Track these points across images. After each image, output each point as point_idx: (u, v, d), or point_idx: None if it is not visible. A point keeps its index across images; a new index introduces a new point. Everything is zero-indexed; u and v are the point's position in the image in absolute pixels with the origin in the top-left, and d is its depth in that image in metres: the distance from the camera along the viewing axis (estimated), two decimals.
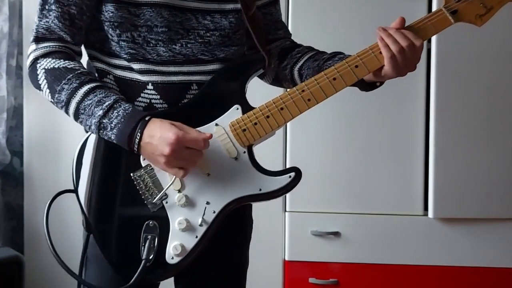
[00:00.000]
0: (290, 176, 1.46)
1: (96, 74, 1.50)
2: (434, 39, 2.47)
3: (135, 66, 1.46)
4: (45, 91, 1.44)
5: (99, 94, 1.41)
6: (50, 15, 1.44)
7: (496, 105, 2.51)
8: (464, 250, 2.55)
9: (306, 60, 1.58)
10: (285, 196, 2.58)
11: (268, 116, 1.44)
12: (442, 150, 2.50)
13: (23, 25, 2.81)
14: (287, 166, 2.56)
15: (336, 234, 2.57)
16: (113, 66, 1.49)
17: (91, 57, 1.53)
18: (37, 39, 1.46)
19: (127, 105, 1.41)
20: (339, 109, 2.52)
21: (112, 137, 1.40)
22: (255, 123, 1.44)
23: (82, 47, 1.53)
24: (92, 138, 1.47)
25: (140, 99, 1.47)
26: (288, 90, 1.46)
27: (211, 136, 1.40)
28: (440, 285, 2.57)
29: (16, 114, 2.93)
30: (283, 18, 2.55)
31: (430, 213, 2.53)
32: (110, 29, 1.45)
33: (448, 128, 2.49)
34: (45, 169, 2.76)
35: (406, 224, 2.56)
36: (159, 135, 1.36)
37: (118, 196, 1.46)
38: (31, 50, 1.46)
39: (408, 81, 2.50)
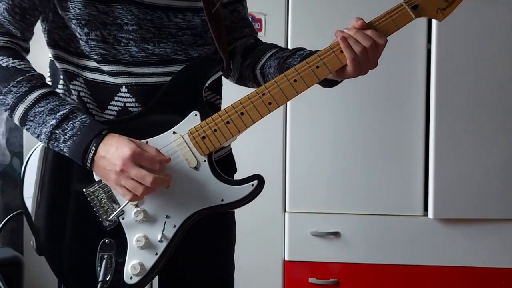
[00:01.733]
0: (252, 185, 1.36)
1: (63, 77, 1.41)
2: (434, 39, 2.47)
3: (106, 68, 1.38)
4: None
5: (53, 102, 1.31)
6: None
7: (496, 105, 2.50)
8: (464, 250, 2.55)
9: (267, 58, 1.52)
10: (285, 196, 2.58)
11: (228, 122, 1.36)
12: (442, 150, 2.50)
13: None
14: (287, 167, 2.57)
15: (336, 234, 2.57)
16: (82, 67, 1.39)
17: (56, 58, 1.42)
18: None
19: (83, 116, 1.31)
20: (339, 109, 2.52)
21: (65, 150, 1.30)
22: (215, 130, 1.35)
23: (46, 47, 1.44)
24: (38, 149, 1.38)
25: (114, 102, 1.39)
26: (248, 94, 1.37)
27: (169, 159, 1.32)
28: (440, 285, 2.57)
29: None
30: (283, 19, 2.57)
31: (430, 214, 2.53)
32: (78, 27, 1.35)
33: (448, 129, 2.49)
34: None
35: (406, 225, 2.55)
36: (114, 149, 1.27)
37: (70, 214, 1.36)
38: None
39: (408, 81, 2.52)
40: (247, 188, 1.36)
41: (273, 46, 1.56)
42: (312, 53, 1.43)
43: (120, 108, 1.39)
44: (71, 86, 1.40)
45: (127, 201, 1.32)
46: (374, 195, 2.56)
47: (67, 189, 1.37)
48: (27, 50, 1.40)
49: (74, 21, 1.36)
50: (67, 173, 1.36)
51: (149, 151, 1.30)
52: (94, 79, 1.39)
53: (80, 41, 1.37)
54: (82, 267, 1.36)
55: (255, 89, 1.38)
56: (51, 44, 1.42)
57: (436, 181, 2.50)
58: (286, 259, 2.60)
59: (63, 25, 1.38)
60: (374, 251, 2.57)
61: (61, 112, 1.30)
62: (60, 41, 1.40)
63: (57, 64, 1.42)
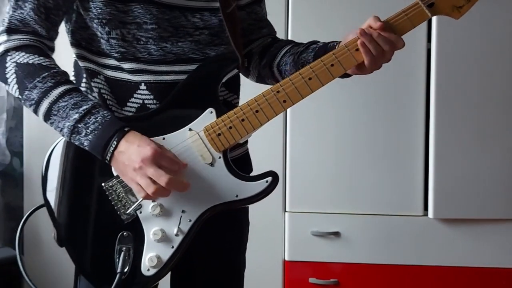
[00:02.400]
0: (267, 181, 1.39)
1: (85, 75, 1.46)
2: (434, 39, 2.47)
3: (126, 65, 1.42)
4: (12, 86, 1.37)
5: (76, 97, 1.35)
6: (25, 7, 1.37)
7: (496, 105, 2.50)
8: (464, 250, 2.55)
9: (283, 55, 1.54)
10: (285, 196, 2.58)
11: (243, 120, 1.38)
12: (442, 150, 2.49)
13: None
14: (287, 167, 2.57)
15: (336, 234, 2.57)
16: (103, 66, 1.44)
17: (79, 57, 1.47)
18: (9, 30, 1.38)
19: (105, 111, 1.36)
20: (339, 109, 2.52)
21: (86, 143, 1.34)
22: (230, 127, 1.38)
23: (63, 48, 1.49)
24: (60, 144, 1.43)
25: (133, 99, 1.43)
26: (263, 92, 1.40)
27: (186, 165, 1.36)
28: (440, 285, 2.57)
29: (16, 115, 2.93)
30: (283, 19, 2.57)
31: (430, 214, 2.53)
32: (99, 26, 1.40)
33: (448, 128, 2.49)
34: None
35: (406, 224, 2.55)
36: (135, 146, 1.31)
37: (90, 207, 1.40)
38: (1, 41, 1.38)
39: (408, 81, 2.52)
40: (262, 184, 1.39)
41: (289, 42, 1.59)
42: (325, 45, 1.46)
43: (139, 105, 1.43)
44: (92, 84, 1.45)
45: (142, 200, 1.36)
46: (374, 195, 2.56)
47: (87, 183, 1.41)
48: (52, 49, 1.44)
49: (95, 21, 1.40)
50: (88, 168, 1.40)
51: (168, 154, 1.34)
52: (114, 77, 1.43)
53: (101, 40, 1.42)
54: (101, 259, 1.40)
55: (270, 86, 1.40)
56: (74, 43, 1.47)
57: (436, 181, 2.50)
58: (286, 259, 2.60)
59: (85, 25, 1.43)
60: (375, 251, 2.57)
61: (84, 107, 1.34)
62: (82, 41, 1.45)
63: (80, 63, 1.47)
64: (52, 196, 1.43)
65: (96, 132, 1.33)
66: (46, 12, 1.38)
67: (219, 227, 1.45)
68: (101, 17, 1.39)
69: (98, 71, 1.44)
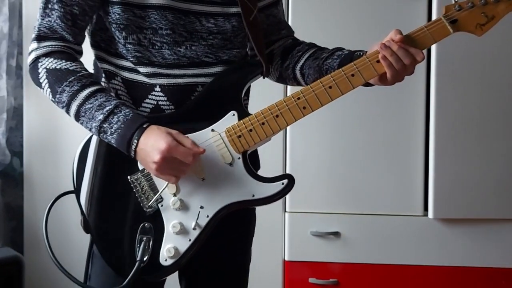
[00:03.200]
0: (283, 183, 1.46)
1: (104, 76, 1.52)
2: None
3: (142, 69, 1.48)
4: (46, 90, 1.46)
5: (100, 98, 1.43)
6: (52, 15, 1.45)
7: (496, 105, 2.51)
8: (464, 250, 2.55)
9: (306, 58, 1.59)
10: (285, 196, 2.58)
11: (263, 123, 1.45)
12: (442, 150, 2.50)
13: (23, 26, 2.81)
14: (287, 167, 2.57)
15: (336, 234, 2.57)
16: (120, 67, 1.50)
17: (98, 58, 1.54)
18: (39, 38, 1.46)
19: (127, 110, 1.43)
20: (339, 109, 2.52)
21: (112, 141, 1.43)
22: (250, 130, 1.45)
23: (89, 48, 1.55)
24: (94, 139, 1.50)
25: (147, 100, 1.49)
26: (284, 98, 1.46)
27: (203, 151, 1.41)
28: (440, 285, 2.57)
29: (16, 115, 2.93)
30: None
31: (430, 214, 2.53)
32: (117, 31, 1.47)
33: (448, 128, 2.49)
34: (45, 169, 2.76)
35: (406, 224, 2.56)
36: (152, 142, 1.39)
37: (116, 198, 1.49)
38: (32, 48, 1.47)
39: (408, 81, 2.50)
40: (278, 186, 1.46)
41: (312, 45, 1.63)
42: (351, 53, 1.50)
43: (153, 106, 1.50)
44: (110, 85, 1.51)
45: (164, 186, 1.44)
46: (374, 195, 2.56)
47: (116, 175, 1.49)
48: (80, 53, 1.52)
49: (114, 25, 1.47)
50: (117, 161, 1.48)
51: (185, 143, 1.40)
52: (131, 78, 1.50)
53: (119, 44, 1.48)
54: (123, 246, 1.47)
55: (291, 93, 1.45)
56: (94, 45, 1.54)
57: (436, 181, 2.50)
58: (286, 259, 2.61)
59: (104, 27, 1.50)
60: (374, 251, 2.57)
61: (108, 108, 1.42)
62: (102, 42, 1.52)
63: (98, 64, 1.54)
64: (83, 185, 1.49)
65: (119, 131, 1.41)
66: (73, 18, 1.46)
67: (228, 219, 1.49)
68: (119, 22, 1.46)
69: (116, 73, 1.51)
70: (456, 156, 2.50)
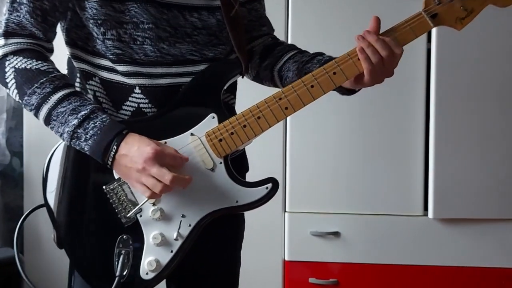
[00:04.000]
0: (267, 188, 1.40)
1: (80, 76, 1.45)
2: (434, 39, 2.47)
3: (121, 68, 1.40)
4: (13, 91, 1.37)
5: (74, 102, 1.35)
6: (21, 9, 1.36)
7: (496, 105, 2.50)
8: (464, 250, 2.55)
9: (286, 60, 1.54)
10: (285, 196, 2.58)
11: (245, 126, 1.39)
12: (442, 150, 2.49)
13: None
14: (287, 167, 2.57)
15: (336, 234, 2.57)
16: (98, 67, 1.42)
17: (74, 57, 1.45)
18: (7, 34, 1.37)
19: (104, 116, 1.35)
20: (339, 109, 2.52)
21: (86, 148, 1.35)
22: (232, 133, 1.39)
23: (63, 45, 1.47)
24: (61, 148, 1.43)
25: (128, 103, 1.42)
26: (265, 98, 1.40)
27: (187, 159, 1.36)
28: (440, 285, 2.57)
29: (15, 115, 2.93)
30: (283, 19, 2.57)
31: (430, 214, 2.53)
32: (95, 27, 1.38)
33: (448, 128, 2.49)
34: None
35: (406, 224, 2.55)
36: (136, 148, 1.32)
37: (90, 210, 1.41)
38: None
39: (408, 81, 2.51)
40: (262, 190, 1.40)
41: (292, 47, 1.58)
42: (331, 59, 1.44)
43: (134, 109, 1.42)
44: (87, 86, 1.44)
45: (146, 199, 1.36)
46: (374, 195, 2.56)
47: (87, 186, 1.41)
48: (50, 50, 1.43)
49: (91, 21, 1.39)
50: (88, 171, 1.41)
51: (169, 151, 1.34)
52: (109, 78, 1.42)
53: (97, 41, 1.40)
54: (100, 261, 1.40)
55: (272, 93, 1.41)
56: (69, 42, 1.45)
57: (436, 181, 2.50)
58: (286, 259, 2.60)
59: (81, 24, 1.41)
60: (374, 251, 2.57)
61: (83, 112, 1.34)
62: (78, 40, 1.43)
63: (74, 63, 1.46)
64: (52, 197, 1.42)
65: (95, 137, 1.33)
66: (43, 14, 1.37)
67: (216, 224, 1.44)
68: (96, 17, 1.38)
69: (93, 73, 1.43)
70: (456, 156, 2.50)
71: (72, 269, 1.47)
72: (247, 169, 1.58)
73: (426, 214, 2.55)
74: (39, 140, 2.77)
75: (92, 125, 1.34)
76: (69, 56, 1.47)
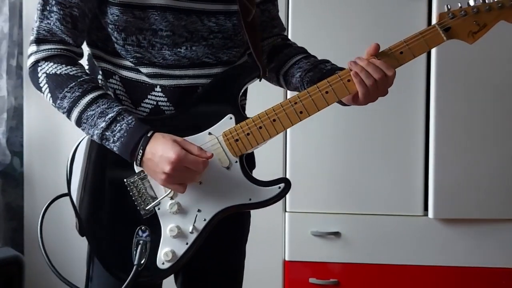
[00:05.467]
0: (279, 187, 1.46)
1: (101, 74, 1.50)
2: None
3: (143, 69, 1.46)
4: (47, 95, 1.44)
5: (102, 105, 1.41)
6: (51, 17, 1.42)
7: (496, 105, 2.51)
8: (464, 250, 2.55)
9: (291, 66, 1.60)
10: (285, 196, 2.58)
11: (260, 127, 1.45)
12: (442, 150, 2.50)
13: (23, 26, 2.81)
14: (287, 167, 2.57)
15: (336, 234, 2.58)
16: (119, 66, 1.48)
17: (95, 57, 1.52)
18: (38, 41, 1.44)
19: (129, 118, 1.41)
20: (339, 109, 2.52)
21: (115, 149, 1.41)
22: (248, 134, 1.45)
23: (85, 46, 1.52)
24: (85, 141, 1.49)
25: (147, 100, 1.48)
26: (281, 102, 1.46)
27: (211, 156, 1.41)
28: (440, 285, 2.57)
29: (16, 115, 2.93)
30: (283, 19, 2.57)
31: (430, 214, 2.53)
32: (115, 32, 1.44)
33: (448, 129, 2.49)
34: (45, 169, 2.76)
35: (406, 224, 2.56)
36: (160, 153, 1.37)
37: (110, 201, 1.48)
38: (31, 51, 1.45)
39: (408, 81, 2.52)
40: (274, 190, 1.46)
41: (299, 51, 1.63)
42: (333, 68, 1.53)
43: (153, 106, 1.48)
44: (108, 84, 1.49)
45: (164, 194, 1.44)
46: (374, 195, 2.57)
47: (109, 178, 1.48)
48: (80, 55, 1.49)
49: (111, 26, 1.44)
50: (110, 164, 1.47)
51: (192, 150, 1.39)
52: (130, 77, 1.48)
53: (117, 45, 1.46)
54: (119, 250, 1.46)
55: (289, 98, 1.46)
56: (90, 43, 1.51)
57: (436, 181, 2.50)
58: (286, 259, 2.61)
59: (100, 26, 1.47)
60: (374, 251, 2.57)
61: (110, 115, 1.40)
62: (98, 41, 1.49)
63: (95, 62, 1.51)
64: (75, 188, 1.49)
65: (122, 139, 1.39)
66: (73, 21, 1.43)
67: (224, 220, 1.48)
68: (117, 24, 1.43)
69: (114, 71, 1.49)
70: (456, 156, 2.50)
71: (91, 258, 1.53)
72: (254, 167, 1.63)
73: (426, 214, 2.55)
74: (40, 139, 2.78)
75: (119, 127, 1.39)
76: (90, 55, 1.53)
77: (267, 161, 2.57)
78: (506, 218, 2.53)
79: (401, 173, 2.55)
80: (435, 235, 2.55)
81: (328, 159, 2.57)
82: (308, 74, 1.54)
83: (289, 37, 2.53)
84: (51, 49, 1.43)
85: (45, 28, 1.43)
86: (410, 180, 2.56)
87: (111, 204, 1.48)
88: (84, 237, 1.50)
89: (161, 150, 1.37)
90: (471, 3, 1.43)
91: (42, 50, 1.43)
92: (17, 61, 2.89)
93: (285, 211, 2.60)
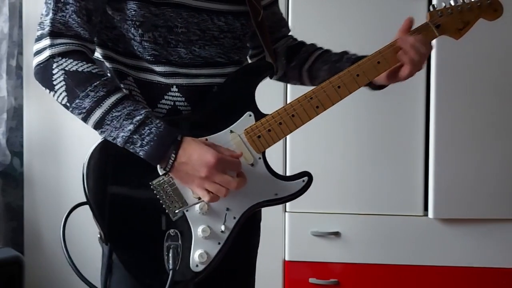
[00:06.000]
0: (303, 181, 1.49)
1: (109, 75, 1.46)
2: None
3: (159, 68, 1.44)
4: (60, 93, 1.36)
5: (128, 107, 1.36)
6: (67, 9, 1.36)
7: (496, 105, 2.51)
8: (464, 250, 2.55)
9: (314, 60, 1.63)
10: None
11: (280, 123, 1.47)
12: (442, 150, 2.50)
13: (23, 26, 2.81)
14: (287, 167, 2.57)
15: (336, 234, 2.58)
16: (132, 67, 1.45)
17: (105, 58, 1.48)
18: (53, 34, 1.36)
19: (157, 121, 1.37)
20: (339, 109, 2.52)
21: (141, 153, 1.36)
22: (269, 130, 1.47)
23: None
24: (103, 144, 1.42)
25: (163, 101, 1.46)
26: (298, 98, 1.49)
27: (241, 154, 1.43)
28: (440, 285, 2.57)
29: (16, 115, 2.93)
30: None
31: (430, 214, 2.53)
32: (133, 28, 1.41)
33: (448, 129, 2.49)
34: (45, 169, 2.76)
35: (406, 224, 2.56)
36: (196, 156, 1.35)
37: (136, 206, 1.42)
38: (45, 45, 1.36)
39: (408, 81, 2.51)
40: (299, 183, 1.49)
41: (316, 48, 1.67)
42: (358, 57, 1.56)
43: (170, 107, 1.46)
44: (122, 85, 1.45)
45: (201, 201, 1.41)
46: (374, 195, 2.57)
47: (132, 182, 1.42)
48: (94, 51, 1.44)
49: (128, 22, 1.41)
50: (132, 168, 1.41)
51: (223, 151, 1.39)
52: (144, 78, 1.45)
53: (133, 42, 1.43)
54: (149, 257, 1.42)
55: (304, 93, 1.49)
56: (100, 44, 1.47)
57: (436, 181, 2.50)
58: (286, 259, 2.61)
59: (110, 26, 1.44)
60: (374, 251, 2.57)
61: (138, 118, 1.36)
62: (108, 41, 1.46)
63: (107, 64, 1.48)
64: (96, 195, 1.41)
65: (152, 143, 1.35)
66: (88, 14, 1.38)
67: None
68: (135, 19, 1.40)
69: (127, 72, 1.46)
70: (456, 156, 2.50)
71: (108, 268, 1.47)
72: None
73: (426, 214, 2.55)
74: (40, 140, 2.78)
75: (148, 131, 1.35)
76: (101, 58, 1.49)
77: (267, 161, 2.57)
78: (506, 218, 2.53)
79: (401, 173, 2.55)
80: (435, 235, 2.55)
81: (328, 159, 2.57)
82: (336, 65, 1.57)
83: None
84: (68, 43, 1.36)
85: (60, 20, 1.37)
86: (410, 180, 2.56)
87: (137, 209, 1.42)
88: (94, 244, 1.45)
89: (196, 154, 1.36)
90: (452, 3, 1.55)
91: (58, 44, 1.36)
92: (17, 61, 2.89)
93: (285, 211, 2.60)
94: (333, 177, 2.57)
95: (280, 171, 2.63)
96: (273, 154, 2.54)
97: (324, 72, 1.59)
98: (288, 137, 2.57)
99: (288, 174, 2.56)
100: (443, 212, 2.53)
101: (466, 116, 2.50)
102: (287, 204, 2.59)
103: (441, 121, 2.49)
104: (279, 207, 2.58)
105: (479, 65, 2.49)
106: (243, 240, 1.54)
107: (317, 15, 2.54)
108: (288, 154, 2.58)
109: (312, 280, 2.58)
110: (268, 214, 2.56)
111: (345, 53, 1.61)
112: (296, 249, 2.60)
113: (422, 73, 2.51)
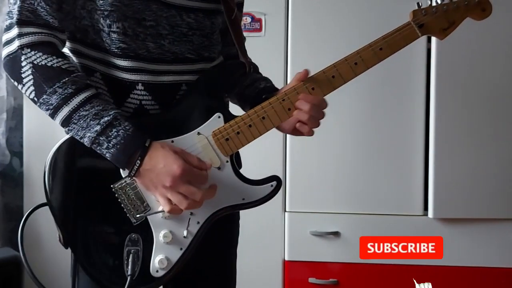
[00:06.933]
0: (272, 185, 1.43)
1: (81, 70, 1.41)
2: (434, 39, 2.47)
3: (124, 63, 1.39)
4: (28, 87, 1.33)
5: (97, 106, 1.32)
6: None
7: (495, 105, 2.51)
8: (464, 250, 2.55)
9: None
10: (285, 196, 2.58)
11: (250, 125, 1.42)
12: (442, 150, 2.50)
13: None
14: (287, 167, 2.57)
15: (336, 234, 2.57)
16: (99, 61, 1.40)
17: (74, 52, 1.42)
18: (21, 22, 1.31)
19: (126, 124, 1.33)
20: (339, 109, 2.52)
21: (107, 155, 1.32)
22: (238, 132, 1.41)
23: None
24: (65, 145, 1.40)
25: (129, 100, 1.41)
26: (269, 99, 1.44)
27: (210, 166, 1.38)
28: (439, 285, 2.56)
29: (16, 115, 2.93)
30: (283, 19, 2.57)
31: (430, 213, 2.53)
32: (101, 18, 1.35)
33: (448, 128, 2.49)
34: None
35: (405, 224, 2.56)
36: (162, 165, 1.31)
37: (97, 209, 1.38)
38: (14, 35, 1.31)
39: (408, 81, 2.51)
40: (267, 188, 1.43)
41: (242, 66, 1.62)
42: (273, 89, 1.53)
43: (136, 106, 1.41)
44: (89, 82, 1.39)
45: (160, 208, 1.36)
46: (374, 195, 2.56)
47: (94, 185, 1.39)
48: (64, 42, 1.39)
49: (98, 12, 1.35)
50: (94, 169, 1.38)
51: (192, 161, 1.35)
52: (109, 74, 1.40)
53: (102, 33, 1.37)
54: (109, 261, 1.38)
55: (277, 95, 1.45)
56: (68, 37, 1.41)
57: (436, 181, 2.50)
58: (286, 259, 2.61)
59: (80, 16, 1.37)
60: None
61: (105, 119, 1.32)
62: (77, 33, 1.40)
63: (75, 59, 1.43)
64: (56, 196, 1.38)
65: (118, 146, 1.31)
66: (58, 2, 1.34)
67: (215, 226, 1.44)
68: (103, 8, 1.35)
69: (94, 68, 1.41)
70: (456, 156, 2.50)
71: (75, 270, 1.44)
72: (241, 166, 1.59)
73: (426, 214, 2.55)
74: (39, 140, 2.77)
75: (115, 133, 1.32)
76: (67, 52, 1.44)
77: (267, 161, 2.57)
78: (506, 218, 2.53)
79: (401, 173, 2.55)
80: (435, 235, 2.55)
81: (327, 159, 2.57)
82: (245, 92, 1.56)
83: (289, 38, 2.55)
84: (37, 32, 1.32)
85: (29, 8, 1.32)
86: (410, 180, 2.55)
87: (97, 212, 1.38)
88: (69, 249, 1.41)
89: (162, 162, 1.31)
90: (439, 1, 1.50)
91: (27, 34, 1.31)
92: None
93: (285, 211, 2.60)
94: (332, 177, 2.57)
95: (280, 172, 2.65)
96: (273, 155, 2.56)
97: (233, 95, 1.58)
98: (288, 137, 2.58)
99: (288, 174, 2.57)
100: (442, 212, 2.53)
101: (466, 116, 2.50)
102: (287, 204, 2.59)
103: (441, 121, 2.49)
104: (279, 207, 2.58)
105: (479, 65, 2.49)
106: (218, 237, 1.51)
107: (317, 15, 2.53)
108: (288, 154, 2.58)
109: (311, 279, 2.58)
110: (268, 214, 2.57)
111: (257, 80, 1.57)
112: (295, 249, 2.60)
113: (421, 73, 2.51)
